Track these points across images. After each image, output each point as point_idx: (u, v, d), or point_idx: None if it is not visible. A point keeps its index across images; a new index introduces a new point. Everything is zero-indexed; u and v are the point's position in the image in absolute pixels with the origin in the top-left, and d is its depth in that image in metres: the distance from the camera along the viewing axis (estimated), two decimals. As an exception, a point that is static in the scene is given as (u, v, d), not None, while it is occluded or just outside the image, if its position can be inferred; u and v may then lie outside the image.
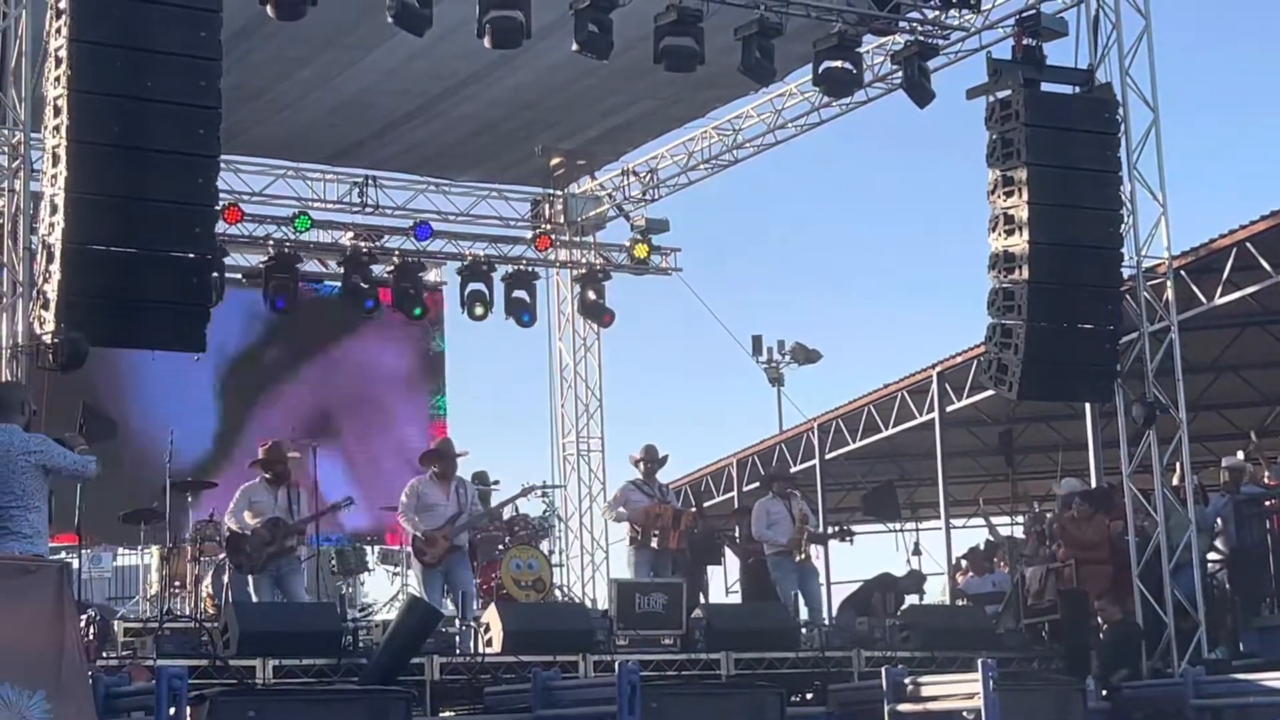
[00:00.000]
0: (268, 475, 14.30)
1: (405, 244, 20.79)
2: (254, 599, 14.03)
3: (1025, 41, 15.47)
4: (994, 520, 20.07)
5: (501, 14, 14.14)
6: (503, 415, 14.85)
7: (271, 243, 20.01)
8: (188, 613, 15.15)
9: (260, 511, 14.05)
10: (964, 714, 11.85)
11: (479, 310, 21.04)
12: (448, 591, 14.65)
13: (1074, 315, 15.23)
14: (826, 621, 16.29)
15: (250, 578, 14.13)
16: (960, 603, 18.47)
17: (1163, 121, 15.51)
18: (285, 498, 14.20)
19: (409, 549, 18.44)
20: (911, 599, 18.06)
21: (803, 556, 15.74)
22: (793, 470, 22.38)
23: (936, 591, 21.31)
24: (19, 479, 10.01)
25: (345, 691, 11.19)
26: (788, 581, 15.73)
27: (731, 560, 18.53)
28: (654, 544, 15.47)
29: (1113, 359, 15.38)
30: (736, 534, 17.89)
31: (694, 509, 19.60)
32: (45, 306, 11.76)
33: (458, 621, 14.03)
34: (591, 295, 21.83)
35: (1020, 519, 18.94)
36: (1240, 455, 16.60)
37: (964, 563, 19.80)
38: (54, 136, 11.86)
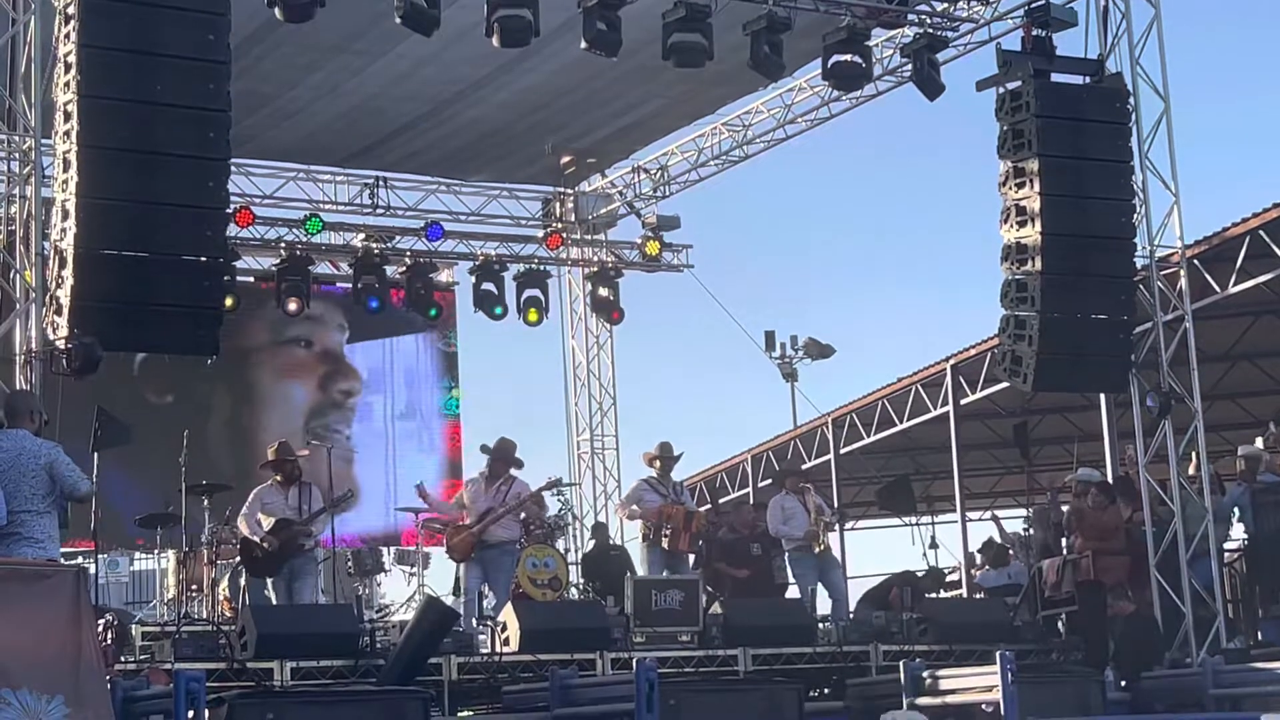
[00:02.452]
0: (278, 476, 14.35)
1: (417, 244, 20.81)
2: (273, 602, 14.06)
3: (1035, 32, 15.45)
4: (1007, 514, 20.11)
5: (509, 12, 14.13)
6: (516, 414, 14.98)
7: (283, 245, 20.03)
8: (205, 616, 15.16)
9: (272, 513, 14.10)
10: (983, 707, 11.83)
11: (498, 310, 21.07)
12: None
13: (1087, 306, 15.21)
14: (851, 610, 16.23)
15: (268, 581, 14.19)
16: (978, 596, 18.44)
17: (1174, 110, 15.51)
18: (296, 497, 14.22)
19: (425, 550, 18.62)
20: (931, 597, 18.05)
21: (821, 548, 15.70)
22: (808, 465, 22.40)
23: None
24: (29, 482, 10.04)
25: (363, 692, 11.20)
26: (807, 576, 15.69)
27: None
28: (665, 544, 15.40)
29: (1127, 349, 15.35)
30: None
31: (709, 506, 19.59)
32: (58, 312, 11.77)
33: (473, 620, 14.03)
34: (603, 293, 21.82)
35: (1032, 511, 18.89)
36: (1259, 443, 16.56)
37: (979, 556, 19.75)
38: (64, 142, 11.87)
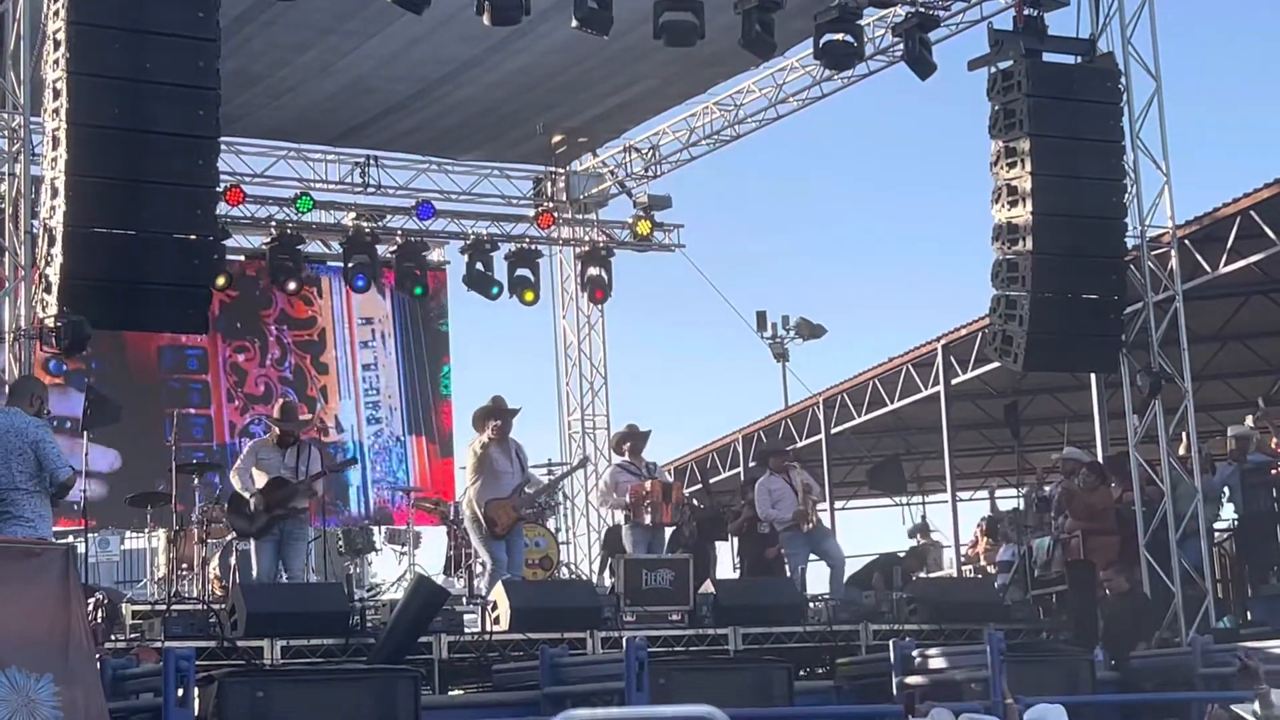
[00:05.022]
0: (278, 434, 13.94)
1: (408, 223, 20.79)
2: (253, 566, 13.77)
3: (1026, 11, 15.42)
4: (1000, 494, 20.24)
5: (500, -10, 14.11)
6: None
7: (274, 224, 20.01)
8: (195, 595, 15.15)
9: (267, 470, 13.66)
10: (972, 685, 11.85)
11: (494, 290, 21.06)
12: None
13: (1078, 286, 15.21)
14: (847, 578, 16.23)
15: (251, 543, 13.81)
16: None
17: (1165, 90, 15.50)
18: (294, 457, 13.80)
19: (416, 529, 18.57)
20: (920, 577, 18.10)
21: (811, 525, 15.63)
22: (799, 445, 22.38)
23: (944, 564, 21.37)
24: (17, 460, 10.03)
25: (353, 671, 11.20)
26: (798, 556, 15.66)
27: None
28: (647, 520, 15.32)
29: (1117, 329, 15.36)
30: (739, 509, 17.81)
31: (700, 486, 19.57)
32: (47, 290, 11.75)
33: (464, 600, 14.01)
34: (594, 272, 21.80)
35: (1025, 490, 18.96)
36: (1249, 422, 16.58)
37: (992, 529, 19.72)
38: (53, 119, 11.84)
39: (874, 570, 18.09)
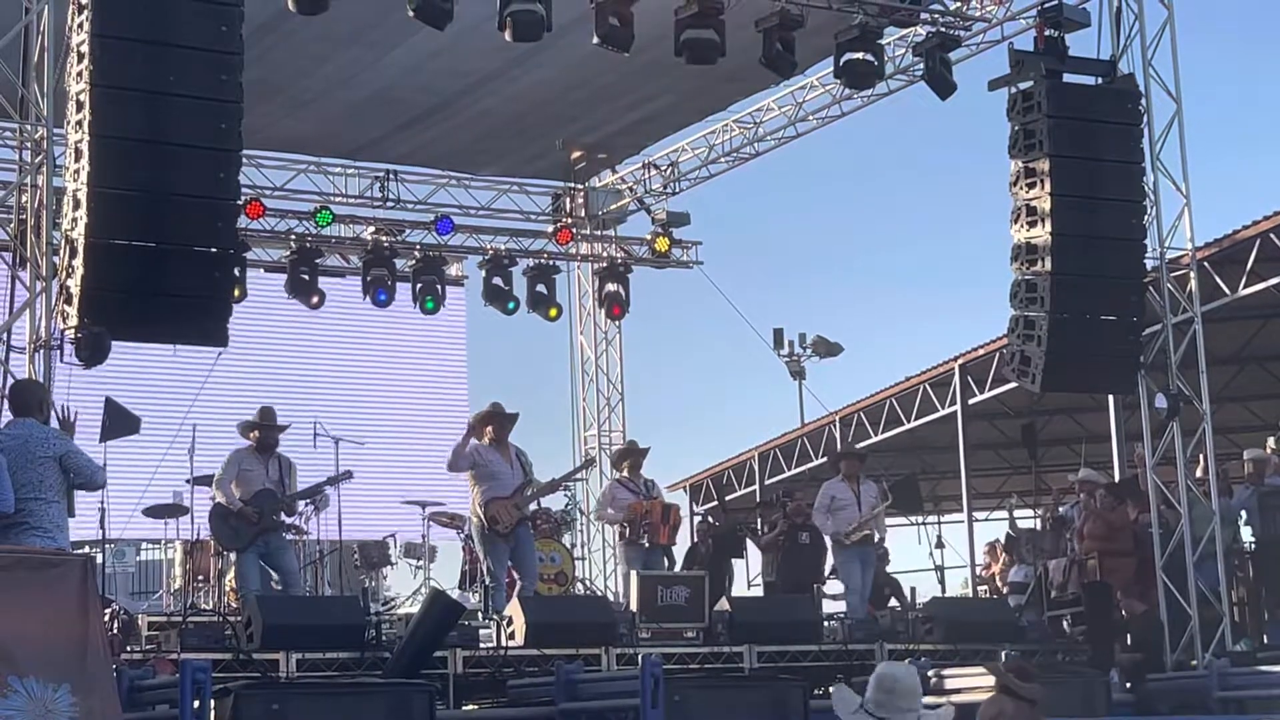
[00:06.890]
0: (255, 443, 13.90)
1: (427, 238, 20.82)
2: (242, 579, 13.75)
3: (1047, 32, 15.41)
4: (1017, 514, 20.21)
5: (522, 7, 14.13)
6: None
7: (293, 237, 20.05)
8: (211, 606, 15.17)
9: (249, 482, 13.67)
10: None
11: (511, 306, 21.07)
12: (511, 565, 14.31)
13: (1097, 307, 15.19)
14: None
15: (234, 556, 13.77)
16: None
17: (1185, 112, 15.47)
18: (276, 469, 13.80)
19: (432, 542, 18.55)
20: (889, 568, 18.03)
21: (865, 535, 15.49)
22: (815, 464, 22.37)
23: (958, 585, 21.36)
24: (36, 470, 10.06)
25: (369, 685, 11.23)
26: (852, 572, 15.53)
27: (754, 553, 18.50)
28: (644, 541, 15.26)
29: (1136, 351, 15.33)
30: (759, 524, 17.80)
31: (716, 504, 19.54)
32: (68, 301, 11.77)
33: (479, 615, 14.00)
34: (612, 289, 21.80)
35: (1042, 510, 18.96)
36: (1271, 444, 16.56)
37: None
38: (76, 131, 11.86)
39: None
